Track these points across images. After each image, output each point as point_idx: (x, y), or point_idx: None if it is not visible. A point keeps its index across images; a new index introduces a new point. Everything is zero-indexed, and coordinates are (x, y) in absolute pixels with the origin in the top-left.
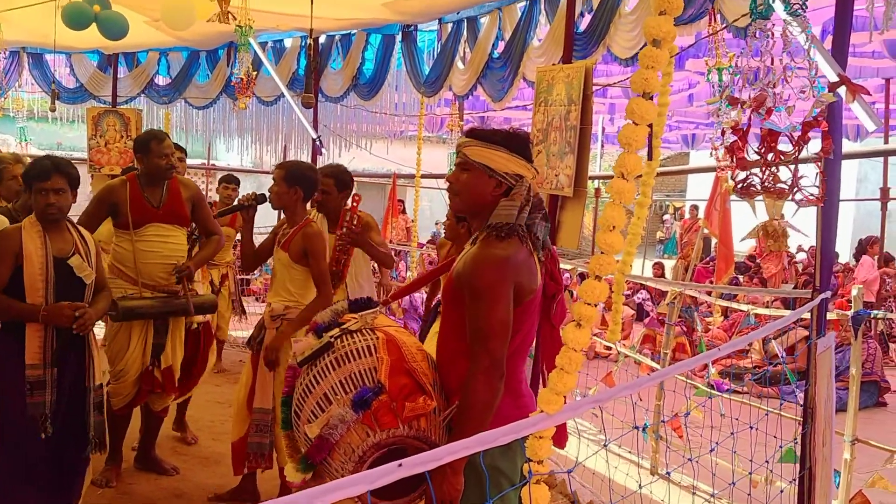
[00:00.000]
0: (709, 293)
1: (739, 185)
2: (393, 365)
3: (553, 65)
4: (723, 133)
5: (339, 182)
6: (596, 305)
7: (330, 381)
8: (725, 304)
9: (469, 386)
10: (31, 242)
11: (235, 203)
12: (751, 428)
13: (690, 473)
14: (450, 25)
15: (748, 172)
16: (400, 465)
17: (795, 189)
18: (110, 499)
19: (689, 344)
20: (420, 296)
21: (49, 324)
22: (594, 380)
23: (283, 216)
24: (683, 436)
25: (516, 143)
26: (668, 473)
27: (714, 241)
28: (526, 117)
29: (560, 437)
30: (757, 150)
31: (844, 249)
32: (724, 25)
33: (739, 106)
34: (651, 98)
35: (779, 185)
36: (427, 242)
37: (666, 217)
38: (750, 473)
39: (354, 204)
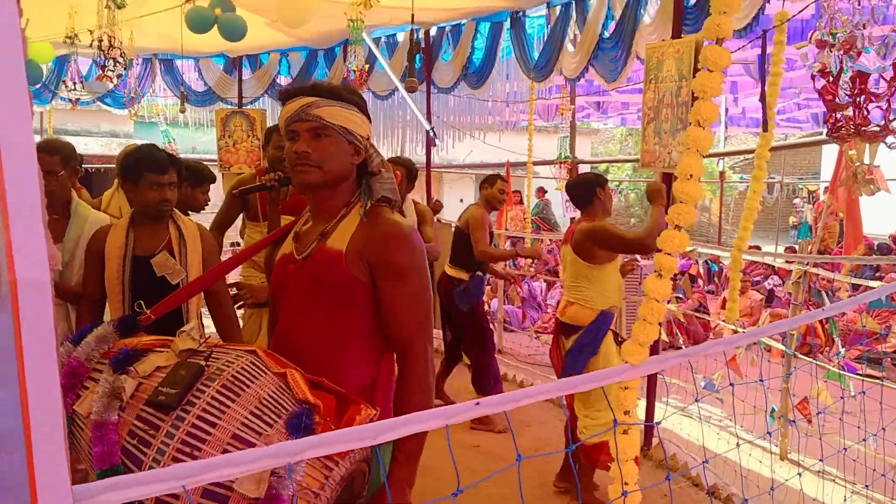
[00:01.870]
0: (836, 271)
1: (830, 128)
2: (302, 377)
3: (662, 41)
4: (812, 78)
5: (410, 173)
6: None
7: (233, 416)
8: (857, 281)
9: (423, 384)
10: (112, 242)
11: (256, 185)
12: None
13: (829, 461)
14: (558, 8)
15: (840, 115)
16: (478, 403)
17: (888, 132)
18: None
19: (820, 328)
20: (539, 285)
21: None
22: (721, 364)
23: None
24: (812, 421)
25: (363, 101)
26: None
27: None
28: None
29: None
30: (848, 91)
31: None
32: None
33: (828, 48)
34: (722, 43)
35: (871, 127)
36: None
37: (796, 201)
38: None
39: None
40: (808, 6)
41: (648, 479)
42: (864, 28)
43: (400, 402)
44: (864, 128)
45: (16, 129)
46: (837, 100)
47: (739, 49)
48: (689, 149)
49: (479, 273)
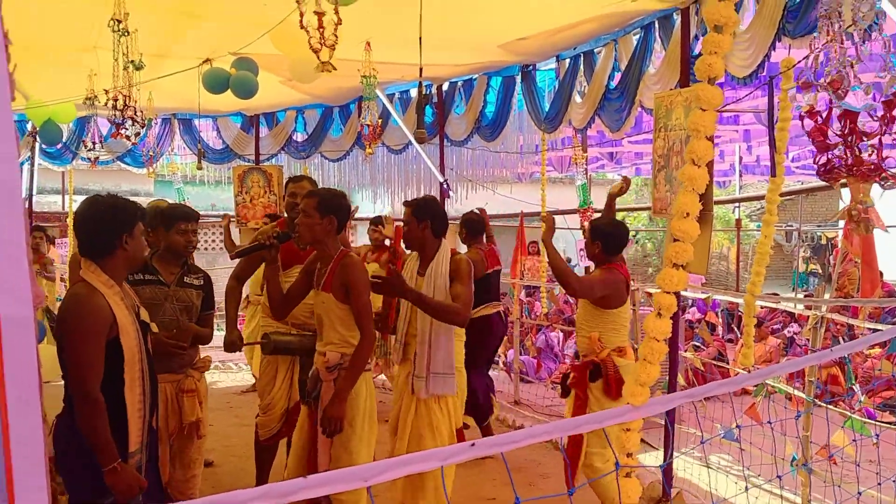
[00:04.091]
0: (853, 315)
1: (822, 170)
2: None
3: (671, 90)
4: (801, 119)
5: (418, 210)
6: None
7: None
8: (875, 326)
9: None
10: (118, 309)
11: (252, 245)
12: None
13: None
14: (567, 61)
15: (829, 155)
16: (473, 444)
17: (880, 171)
18: None
19: (842, 375)
20: (556, 335)
21: (111, 483)
22: (739, 411)
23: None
24: (833, 469)
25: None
26: None
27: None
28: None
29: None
30: (837, 132)
31: None
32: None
33: (815, 90)
34: (714, 83)
35: (863, 167)
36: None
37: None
38: None
39: (386, 239)
40: (814, 53)
41: None
42: (852, 67)
43: None
44: (856, 168)
45: (1, 168)
46: (828, 140)
47: (748, 96)
48: (685, 187)
49: None
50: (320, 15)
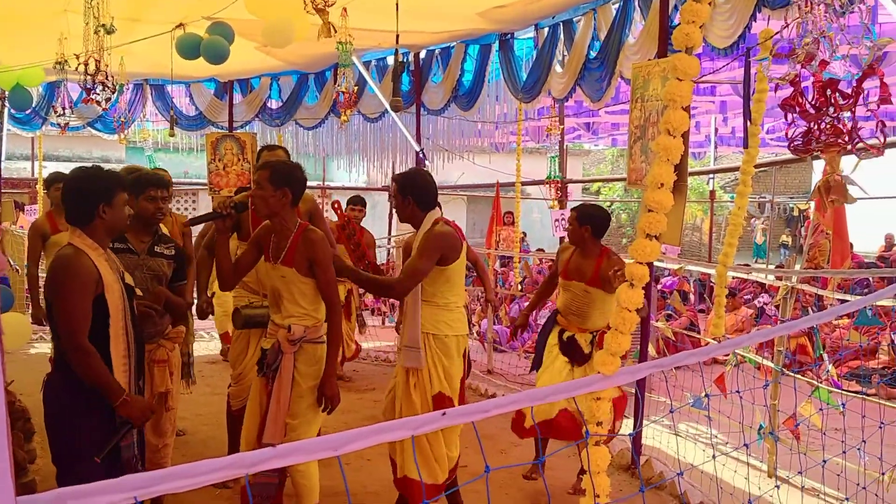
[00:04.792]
0: (823, 286)
1: (791, 144)
2: None
3: (648, 60)
4: (776, 89)
5: (401, 185)
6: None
7: None
8: (845, 297)
9: None
10: (103, 268)
11: (208, 213)
12: (881, 426)
13: (811, 476)
14: (546, 30)
15: (809, 125)
16: (444, 413)
17: (854, 140)
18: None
19: (810, 345)
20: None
21: (126, 414)
22: (709, 382)
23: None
24: (801, 438)
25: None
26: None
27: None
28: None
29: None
30: (812, 102)
31: None
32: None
33: (791, 60)
34: (692, 53)
35: (841, 138)
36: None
37: (753, 220)
38: (882, 475)
39: (340, 211)
40: (792, 24)
41: (635, 498)
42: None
43: None
44: (833, 139)
45: None
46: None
47: (725, 67)
48: (659, 157)
49: None
50: None
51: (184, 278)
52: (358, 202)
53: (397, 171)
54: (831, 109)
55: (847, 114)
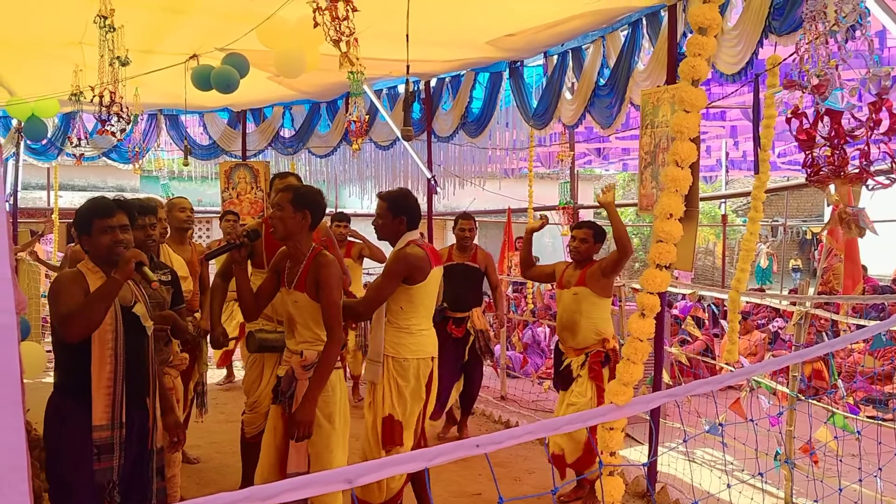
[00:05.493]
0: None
1: (810, 173)
2: None
3: (658, 87)
4: (787, 121)
5: (393, 205)
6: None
7: None
8: (855, 321)
9: None
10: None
11: (222, 245)
12: None
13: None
14: (555, 58)
15: (813, 155)
16: (478, 445)
17: (866, 173)
18: None
19: (826, 370)
20: (543, 330)
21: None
22: (723, 408)
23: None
24: (819, 463)
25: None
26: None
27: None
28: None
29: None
30: (824, 134)
31: None
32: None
33: (799, 90)
34: (698, 85)
35: (849, 169)
36: None
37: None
38: None
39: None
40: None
41: None
42: (836, 68)
43: None
44: (843, 170)
45: None
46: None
47: (735, 93)
48: (668, 189)
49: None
50: (334, 4)
51: (182, 303)
52: (343, 218)
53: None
54: (834, 141)
55: (851, 148)
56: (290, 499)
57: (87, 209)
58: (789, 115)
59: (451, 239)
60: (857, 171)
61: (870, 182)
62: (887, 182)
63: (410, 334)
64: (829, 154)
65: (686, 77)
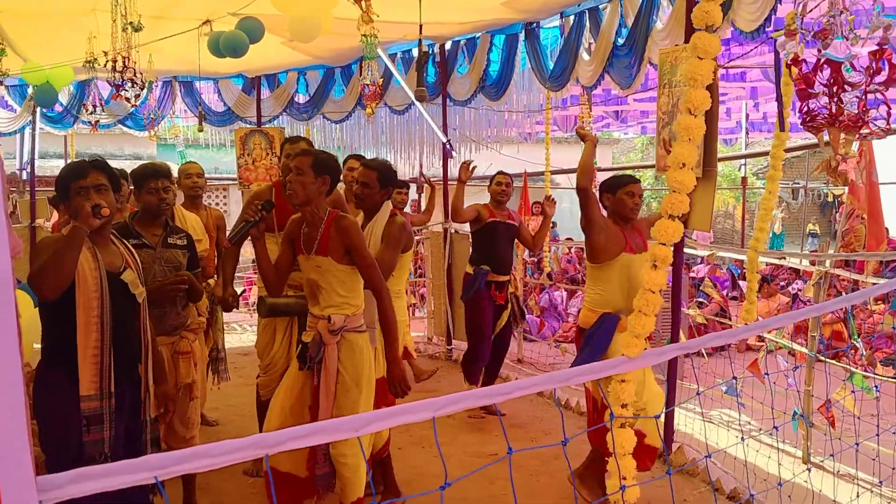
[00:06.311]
0: (858, 271)
1: (805, 119)
2: None
3: (675, 45)
4: (788, 67)
5: (382, 176)
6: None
7: None
8: (875, 280)
9: None
10: (82, 257)
11: (241, 225)
12: None
13: (845, 461)
14: (572, 18)
15: (813, 104)
16: (486, 395)
17: (862, 121)
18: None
19: (846, 331)
20: (560, 294)
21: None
22: (746, 369)
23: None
24: (836, 424)
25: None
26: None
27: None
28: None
29: (643, 459)
30: (824, 81)
31: None
32: None
33: (801, 38)
34: (712, 31)
35: (845, 118)
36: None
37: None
38: None
39: None
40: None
41: (669, 485)
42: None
43: None
44: (837, 119)
45: None
46: (811, 89)
47: (754, 51)
48: (681, 137)
49: (483, 268)
50: None
51: (197, 266)
52: (403, 185)
53: (424, 163)
54: (833, 88)
55: (849, 95)
56: (296, 446)
57: (63, 174)
58: (788, 62)
59: (468, 203)
60: (853, 119)
61: (863, 130)
62: (880, 132)
63: (397, 298)
64: (827, 103)
65: (700, 23)
